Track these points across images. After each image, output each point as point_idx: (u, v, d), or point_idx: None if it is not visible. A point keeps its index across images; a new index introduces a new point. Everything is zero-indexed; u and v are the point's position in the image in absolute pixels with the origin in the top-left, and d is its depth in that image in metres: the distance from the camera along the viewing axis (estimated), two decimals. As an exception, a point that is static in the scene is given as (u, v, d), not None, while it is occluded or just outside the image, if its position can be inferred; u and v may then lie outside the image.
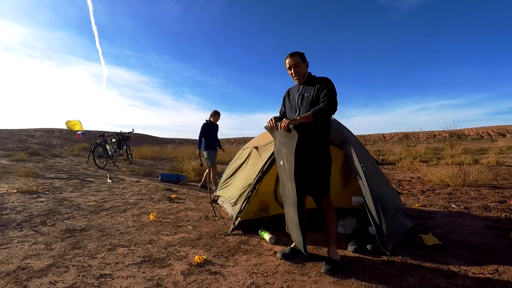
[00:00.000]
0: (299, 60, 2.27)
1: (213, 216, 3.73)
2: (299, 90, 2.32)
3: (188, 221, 3.52)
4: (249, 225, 3.06)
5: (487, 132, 35.44)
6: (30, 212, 3.60)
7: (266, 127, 2.30)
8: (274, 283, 1.99)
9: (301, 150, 2.20)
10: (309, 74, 2.32)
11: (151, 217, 3.50)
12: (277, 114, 2.53)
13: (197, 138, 5.50)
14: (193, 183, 6.75)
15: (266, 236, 2.80)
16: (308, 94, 2.23)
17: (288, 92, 2.47)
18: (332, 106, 2.09)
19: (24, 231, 2.94)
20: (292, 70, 2.28)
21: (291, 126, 2.01)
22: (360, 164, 2.66)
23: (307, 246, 2.34)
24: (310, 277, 2.08)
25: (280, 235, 2.88)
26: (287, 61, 2.30)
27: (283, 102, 2.51)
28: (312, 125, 2.14)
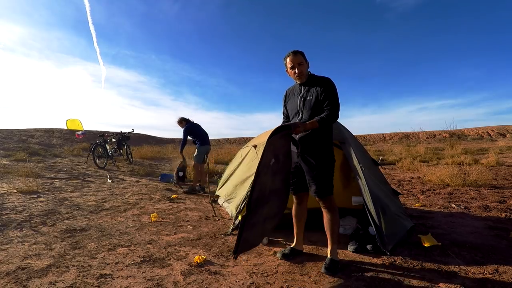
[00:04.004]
0: (302, 59, 2.22)
1: (213, 216, 3.73)
2: (300, 92, 2.27)
3: (188, 221, 3.52)
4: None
5: (487, 132, 35.42)
6: (30, 212, 3.60)
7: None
8: (274, 283, 1.99)
9: (305, 150, 2.21)
10: (309, 74, 2.29)
11: (153, 218, 3.50)
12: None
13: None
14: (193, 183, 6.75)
15: None
16: (311, 97, 2.19)
17: (288, 94, 2.43)
18: (335, 114, 2.14)
19: (24, 231, 2.94)
20: (296, 69, 2.22)
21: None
22: (359, 164, 2.66)
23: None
24: (310, 277, 2.08)
25: (280, 235, 2.88)
26: (288, 59, 2.23)
27: (284, 104, 2.48)
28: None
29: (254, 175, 1.87)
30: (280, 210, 2.31)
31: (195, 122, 5.84)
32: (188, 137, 5.71)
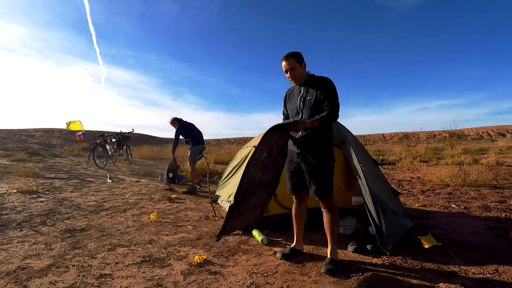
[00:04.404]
0: (294, 63, 2.19)
1: (213, 216, 3.73)
2: (300, 92, 2.28)
3: (188, 221, 3.52)
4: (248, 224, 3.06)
5: (487, 132, 35.42)
6: (30, 212, 3.60)
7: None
8: (274, 283, 1.99)
9: (305, 150, 2.21)
10: (308, 74, 2.28)
11: (152, 217, 3.50)
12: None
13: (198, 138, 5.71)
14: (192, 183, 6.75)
15: (258, 236, 2.78)
16: (310, 97, 2.19)
17: (288, 94, 2.43)
18: (335, 114, 2.14)
19: (24, 231, 2.94)
20: (288, 74, 2.23)
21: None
22: (360, 164, 2.66)
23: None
24: (310, 277, 2.08)
25: (280, 235, 2.88)
26: (282, 64, 2.24)
27: (284, 104, 2.48)
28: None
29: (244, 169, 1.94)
30: (267, 200, 2.37)
31: (188, 121, 5.83)
32: (181, 137, 5.71)
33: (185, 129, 5.65)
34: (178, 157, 12.01)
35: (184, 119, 5.83)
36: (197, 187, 5.66)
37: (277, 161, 2.24)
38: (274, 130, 2.04)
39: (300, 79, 2.25)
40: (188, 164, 5.65)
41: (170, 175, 6.51)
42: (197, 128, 5.81)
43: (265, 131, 2.03)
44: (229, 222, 1.98)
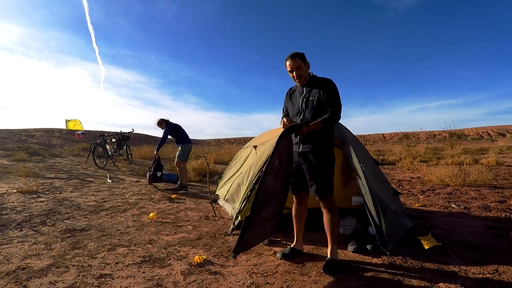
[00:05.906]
0: (300, 62, 2.20)
1: (213, 216, 3.73)
2: (302, 92, 2.28)
3: (188, 221, 3.52)
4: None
5: (487, 132, 35.44)
6: (30, 212, 3.60)
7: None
8: (274, 283, 1.99)
9: (306, 149, 2.21)
10: (311, 75, 2.29)
11: (151, 216, 3.50)
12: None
13: (192, 138, 5.79)
14: (193, 183, 6.75)
15: None
16: (313, 98, 2.20)
17: (290, 93, 2.43)
18: (337, 115, 2.16)
19: (24, 231, 2.94)
20: (294, 73, 2.23)
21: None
22: (360, 164, 2.66)
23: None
24: (310, 277, 2.08)
25: (280, 235, 2.88)
26: (287, 63, 2.23)
27: (285, 103, 2.48)
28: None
29: (258, 176, 1.89)
30: (278, 211, 2.31)
31: (174, 122, 5.96)
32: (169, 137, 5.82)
33: (173, 129, 5.81)
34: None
35: (184, 119, 5.92)
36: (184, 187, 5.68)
37: (286, 169, 2.22)
38: (288, 133, 2.05)
39: (305, 79, 2.26)
40: (177, 161, 5.67)
41: (159, 174, 6.39)
42: (184, 129, 5.96)
43: (273, 131, 2.00)
44: (245, 236, 1.93)
